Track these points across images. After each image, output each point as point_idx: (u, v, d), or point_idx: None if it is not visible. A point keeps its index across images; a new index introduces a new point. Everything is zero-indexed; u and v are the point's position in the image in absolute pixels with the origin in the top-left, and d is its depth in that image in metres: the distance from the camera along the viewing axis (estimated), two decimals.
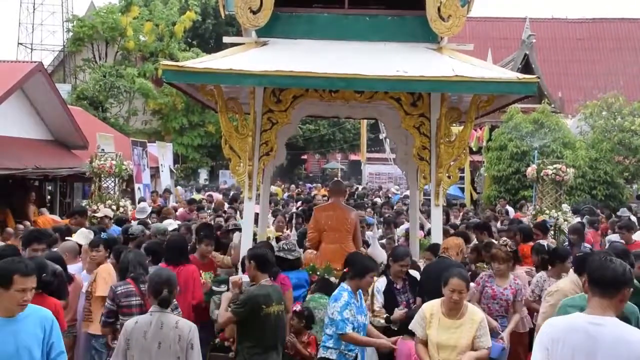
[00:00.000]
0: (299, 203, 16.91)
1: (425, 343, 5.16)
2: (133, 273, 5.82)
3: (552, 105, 21.75)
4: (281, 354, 5.63)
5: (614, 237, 10.99)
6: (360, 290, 5.69)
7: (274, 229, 10.29)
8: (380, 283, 6.37)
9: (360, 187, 29.54)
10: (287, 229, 10.07)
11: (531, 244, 8.43)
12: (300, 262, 7.15)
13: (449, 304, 5.06)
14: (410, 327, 5.32)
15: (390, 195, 24.97)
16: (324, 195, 19.31)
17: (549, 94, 24.08)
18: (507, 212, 16.14)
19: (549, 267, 7.05)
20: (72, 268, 6.77)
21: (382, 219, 11.32)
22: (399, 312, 6.15)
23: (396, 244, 9.17)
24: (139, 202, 15.03)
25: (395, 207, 15.78)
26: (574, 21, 39.09)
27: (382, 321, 6.12)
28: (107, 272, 6.54)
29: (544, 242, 8.27)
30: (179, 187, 23.38)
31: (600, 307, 3.28)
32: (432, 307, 5.20)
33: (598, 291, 3.30)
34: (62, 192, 18.43)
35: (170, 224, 9.56)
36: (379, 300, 6.28)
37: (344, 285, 5.62)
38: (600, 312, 3.27)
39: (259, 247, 6.15)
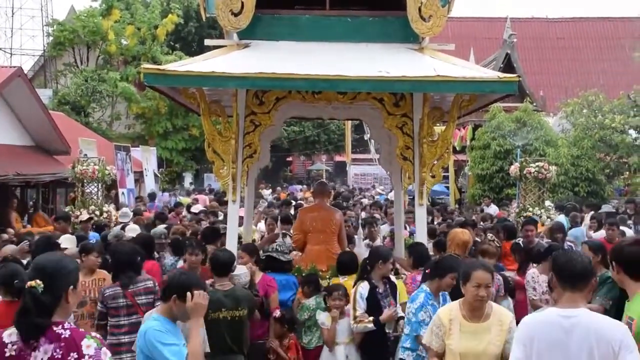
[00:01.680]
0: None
1: (440, 357, 4.47)
2: (123, 277, 5.84)
3: (534, 104, 21.94)
4: (254, 357, 5.66)
5: (576, 230, 11.15)
6: (445, 293, 5.45)
7: (265, 230, 10.34)
8: (364, 288, 6.06)
9: (343, 189, 29.46)
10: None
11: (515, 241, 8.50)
12: (291, 266, 7.17)
13: (474, 303, 4.32)
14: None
15: (375, 195, 25.02)
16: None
17: (530, 93, 24.26)
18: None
19: (538, 264, 7.00)
20: None
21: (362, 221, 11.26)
22: (388, 312, 5.97)
23: (381, 244, 9.18)
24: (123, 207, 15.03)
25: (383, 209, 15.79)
26: (554, 20, 39.50)
27: (369, 326, 5.93)
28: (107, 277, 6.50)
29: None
30: (165, 194, 23.26)
31: (571, 300, 3.40)
32: (449, 312, 4.45)
33: (569, 286, 3.42)
34: (44, 198, 18.29)
35: (134, 230, 9.42)
36: (362, 306, 5.99)
37: (424, 286, 5.44)
38: (571, 304, 3.38)
39: (216, 250, 6.17)
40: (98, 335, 3.08)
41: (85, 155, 14.56)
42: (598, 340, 3.24)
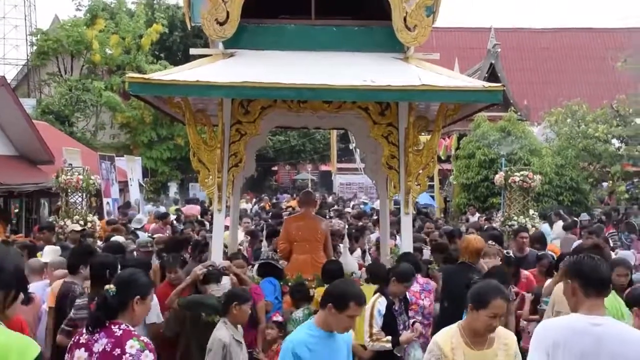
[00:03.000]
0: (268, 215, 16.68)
1: None
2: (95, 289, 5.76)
3: (518, 114, 22.09)
4: None
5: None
6: None
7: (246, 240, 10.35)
8: (382, 304, 5.75)
9: (330, 198, 29.46)
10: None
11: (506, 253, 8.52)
12: (284, 274, 7.29)
13: (483, 332, 3.92)
14: None
15: (361, 205, 25.03)
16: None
17: (515, 102, 24.45)
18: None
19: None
20: (37, 285, 6.63)
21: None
22: (408, 335, 5.73)
23: (368, 255, 9.15)
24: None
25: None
26: (537, 31, 39.89)
27: (387, 345, 5.64)
28: None
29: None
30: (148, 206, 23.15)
31: (597, 307, 3.29)
32: (449, 339, 3.98)
33: (594, 292, 3.31)
34: (27, 208, 18.12)
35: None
36: (379, 322, 5.66)
37: None
38: (597, 312, 3.28)
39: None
40: (146, 340, 3.54)
41: (70, 164, 14.46)
42: (630, 349, 3.15)
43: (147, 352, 3.45)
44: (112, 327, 3.52)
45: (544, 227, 12.50)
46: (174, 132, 29.60)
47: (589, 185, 20.27)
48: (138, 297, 3.61)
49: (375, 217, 14.61)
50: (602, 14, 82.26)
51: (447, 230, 11.22)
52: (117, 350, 3.42)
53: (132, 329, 3.56)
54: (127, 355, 3.41)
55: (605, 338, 3.17)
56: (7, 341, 2.61)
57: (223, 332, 5.16)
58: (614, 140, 20.05)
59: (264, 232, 9.07)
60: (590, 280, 3.33)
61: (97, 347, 3.47)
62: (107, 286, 3.62)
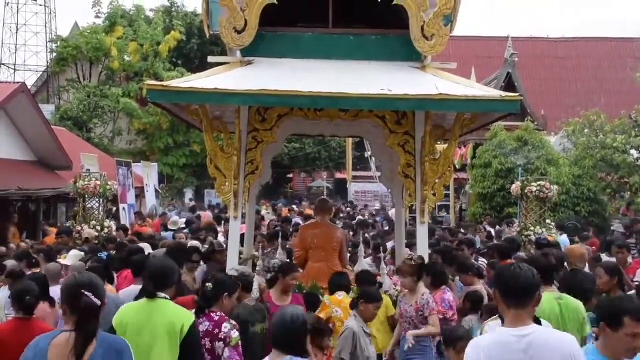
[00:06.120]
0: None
1: None
2: None
3: (536, 123, 21.93)
4: None
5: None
6: None
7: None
8: (491, 327, 4.75)
9: (348, 208, 29.23)
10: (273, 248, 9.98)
11: (509, 262, 8.41)
12: None
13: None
14: None
15: (374, 212, 24.95)
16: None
17: (532, 112, 24.26)
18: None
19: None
20: (56, 290, 6.68)
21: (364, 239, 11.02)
22: None
23: (383, 264, 9.10)
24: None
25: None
26: (555, 40, 39.67)
27: None
28: None
29: None
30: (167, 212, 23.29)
31: (520, 318, 3.28)
32: None
33: (513, 301, 3.29)
34: (45, 213, 18.28)
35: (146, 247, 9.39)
36: None
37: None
38: (521, 322, 3.27)
39: (243, 270, 6.22)
40: (234, 322, 4.77)
41: (88, 170, 14.57)
42: (562, 354, 3.18)
43: (235, 330, 4.67)
44: (212, 314, 4.74)
45: (562, 238, 12.37)
46: (191, 138, 29.77)
47: (607, 196, 20.05)
48: (226, 293, 4.85)
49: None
50: (619, 23, 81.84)
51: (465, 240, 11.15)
52: (217, 330, 4.64)
53: (224, 316, 4.76)
54: (223, 333, 4.62)
55: (530, 348, 3.18)
56: (177, 311, 4.24)
57: (352, 322, 5.54)
58: (633, 151, 19.77)
59: (279, 240, 9.08)
60: (508, 289, 3.33)
61: (202, 328, 4.60)
62: (207, 284, 4.84)
